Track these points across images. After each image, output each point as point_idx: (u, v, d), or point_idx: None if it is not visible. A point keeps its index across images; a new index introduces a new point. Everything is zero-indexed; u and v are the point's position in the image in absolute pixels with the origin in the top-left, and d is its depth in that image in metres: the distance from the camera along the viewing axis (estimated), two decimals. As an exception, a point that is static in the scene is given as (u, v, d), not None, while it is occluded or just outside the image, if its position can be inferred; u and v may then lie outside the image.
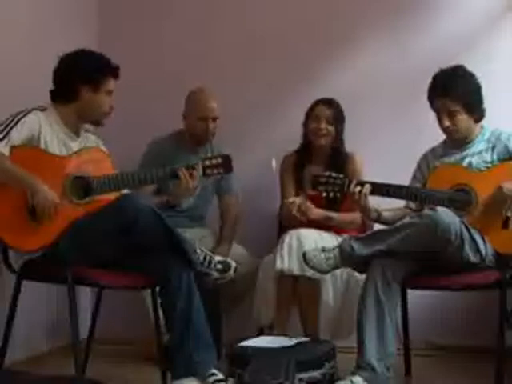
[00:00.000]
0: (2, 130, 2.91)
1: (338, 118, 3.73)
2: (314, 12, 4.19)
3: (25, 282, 3.00)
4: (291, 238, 3.46)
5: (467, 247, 3.03)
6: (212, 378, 2.92)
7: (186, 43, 4.26)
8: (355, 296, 3.25)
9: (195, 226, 3.82)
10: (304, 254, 3.22)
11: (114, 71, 3.14)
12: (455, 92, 3.21)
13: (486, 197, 3.12)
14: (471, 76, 3.28)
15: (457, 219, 3.02)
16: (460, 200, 3.17)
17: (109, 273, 3.02)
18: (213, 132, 3.81)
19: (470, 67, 3.30)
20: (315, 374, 3.02)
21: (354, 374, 2.98)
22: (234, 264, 3.13)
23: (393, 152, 3.99)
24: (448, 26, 4.07)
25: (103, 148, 3.25)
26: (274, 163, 3.72)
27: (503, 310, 3.02)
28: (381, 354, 2.99)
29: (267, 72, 4.20)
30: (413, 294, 3.39)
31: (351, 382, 2.94)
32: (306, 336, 3.41)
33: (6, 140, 2.89)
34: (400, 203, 3.37)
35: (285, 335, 3.34)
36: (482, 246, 3.06)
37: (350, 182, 3.24)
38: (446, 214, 3.01)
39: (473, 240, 3.05)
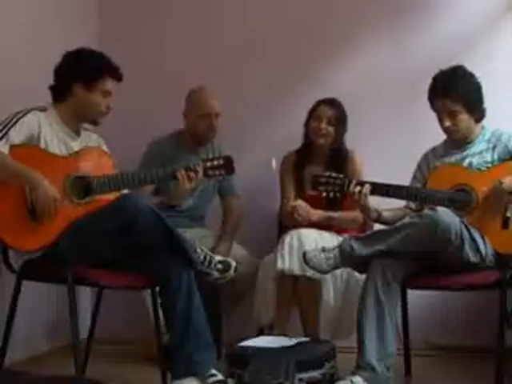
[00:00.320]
0: (1, 130, 2.90)
1: (340, 119, 3.72)
2: (314, 12, 4.19)
3: (25, 282, 2.99)
4: (292, 237, 3.46)
5: (467, 247, 3.03)
6: (212, 379, 2.92)
7: (186, 43, 4.26)
8: (355, 296, 3.25)
9: (195, 226, 3.82)
10: (304, 254, 3.22)
11: (112, 71, 3.12)
12: (455, 92, 3.21)
13: (486, 190, 3.11)
14: (471, 76, 3.28)
15: (457, 219, 3.02)
16: (460, 200, 3.17)
17: (109, 273, 3.01)
18: (215, 129, 3.80)
19: (470, 67, 3.30)
20: (315, 374, 3.02)
21: (354, 373, 2.98)
22: (234, 263, 3.13)
23: (393, 152, 3.99)
24: (448, 26, 4.07)
25: (105, 148, 3.24)
26: (274, 163, 3.71)
27: (503, 310, 3.02)
28: (381, 353, 2.99)
29: (267, 72, 4.19)
30: (413, 294, 3.39)
31: (351, 381, 2.94)
32: (306, 336, 3.41)
33: (4, 139, 2.88)
34: (400, 203, 3.37)
35: (285, 335, 3.34)
36: (482, 246, 3.06)
37: (350, 182, 3.24)
38: (446, 214, 3.01)
39: (473, 240, 3.05)
